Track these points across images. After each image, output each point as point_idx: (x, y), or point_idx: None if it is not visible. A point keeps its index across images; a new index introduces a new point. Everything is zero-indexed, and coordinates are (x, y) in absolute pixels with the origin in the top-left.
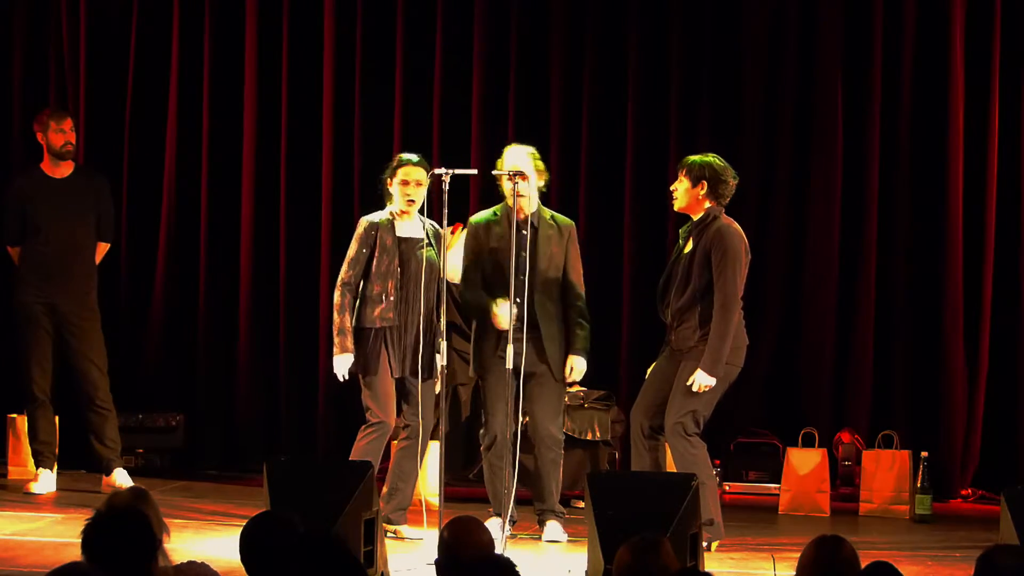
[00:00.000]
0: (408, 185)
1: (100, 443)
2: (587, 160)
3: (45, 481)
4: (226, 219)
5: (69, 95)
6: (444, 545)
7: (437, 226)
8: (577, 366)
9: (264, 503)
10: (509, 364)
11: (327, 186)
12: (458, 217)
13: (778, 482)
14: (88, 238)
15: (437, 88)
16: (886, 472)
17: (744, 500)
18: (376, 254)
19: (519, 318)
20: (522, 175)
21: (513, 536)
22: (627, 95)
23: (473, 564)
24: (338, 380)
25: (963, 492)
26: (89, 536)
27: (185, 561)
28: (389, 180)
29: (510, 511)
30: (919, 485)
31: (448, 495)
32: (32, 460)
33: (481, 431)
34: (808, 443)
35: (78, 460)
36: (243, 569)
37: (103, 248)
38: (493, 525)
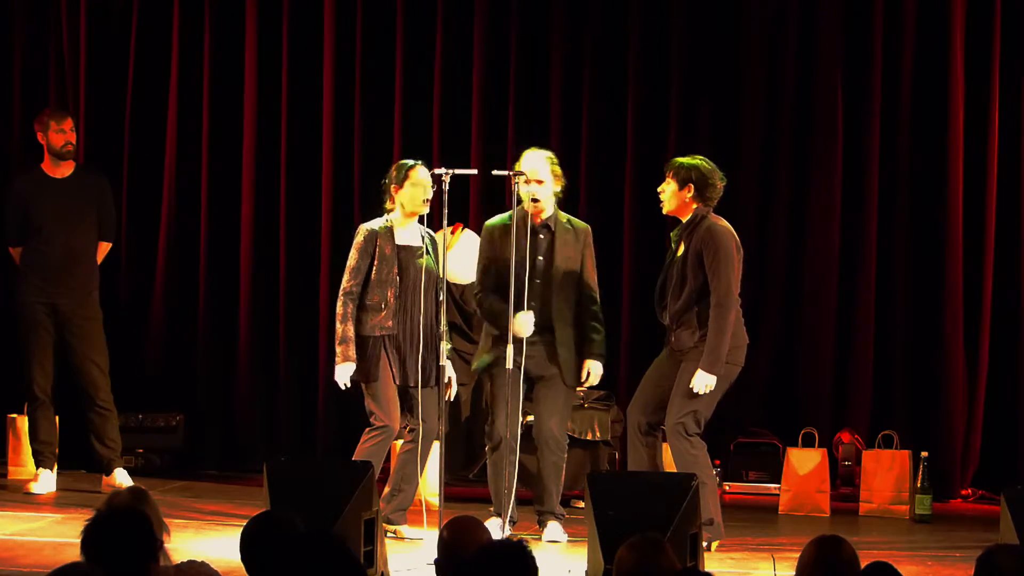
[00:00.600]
0: (420, 187)
1: (101, 443)
2: (587, 160)
3: (45, 481)
4: (226, 219)
5: (69, 95)
6: (444, 545)
7: (432, 233)
8: (594, 371)
9: (264, 503)
10: (509, 364)
11: (327, 185)
12: (458, 217)
13: (778, 482)
14: (89, 238)
15: (437, 88)
16: (886, 472)
17: (744, 500)
18: (376, 263)
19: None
20: (522, 175)
21: (513, 536)
22: (627, 95)
23: (485, 548)
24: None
25: (963, 492)
26: (89, 536)
27: (185, 561)
28: (396, 186)
29: (510, 511)
30: (919, 485)
31: (448, 495)
32: (32, 460)
33: (487, 430)
34: (808, 443)
35: (78, 460)
36: (243, 569)
37: (104, 248)
38: (493, 525)
